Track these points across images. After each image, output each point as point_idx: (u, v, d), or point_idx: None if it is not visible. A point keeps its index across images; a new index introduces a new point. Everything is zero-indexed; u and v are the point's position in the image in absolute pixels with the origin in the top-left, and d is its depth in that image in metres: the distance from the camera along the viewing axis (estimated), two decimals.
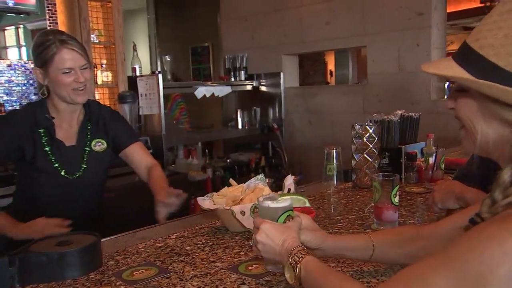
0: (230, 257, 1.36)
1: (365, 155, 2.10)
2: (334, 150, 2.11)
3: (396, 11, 4.39)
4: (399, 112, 2.36)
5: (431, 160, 2.10)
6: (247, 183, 1.75)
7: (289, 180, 1.70)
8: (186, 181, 3.92)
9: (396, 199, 1.52)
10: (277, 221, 1.10)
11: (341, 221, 1.67)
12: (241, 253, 1.39)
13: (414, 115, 2.35)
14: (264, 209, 1.14)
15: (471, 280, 0.65)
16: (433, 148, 2.10)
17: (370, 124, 2.13)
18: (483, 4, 8.18)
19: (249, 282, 1.16)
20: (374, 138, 2.08)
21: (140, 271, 1.27)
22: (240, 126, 4.95)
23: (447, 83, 4.20)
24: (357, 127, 2.11)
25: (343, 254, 1.16)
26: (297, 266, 0.95)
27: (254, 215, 1.53)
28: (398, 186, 1.54)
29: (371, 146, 2.09)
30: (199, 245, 1.47)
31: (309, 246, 1.09)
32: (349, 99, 4.84)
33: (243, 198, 1.63)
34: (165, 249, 1.45)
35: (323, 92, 5.19)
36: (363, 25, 4.66)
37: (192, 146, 4.64)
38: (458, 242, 0.70)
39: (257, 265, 1.27)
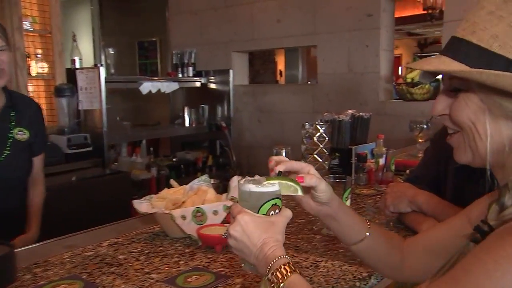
0: (168, 267, 1.22)
1: (315, 155, 2.02)
2: (283, 150, 2.02)
3: (347, 12, 4.38)
4: (350, 111, 2.30)
5: (381, 161, 2.05)
6: (190, 184, 1.62)
7: (235, 182, 1.58)
8: (129, 180, 3.73)
9: (348, 202, 1.44)
10: (258, 211, 0.85)
11: (290, 225, 1.57)
12: (181, 262, 1.25)
13: (365, 115, 2.30)
14: (244, 194, 0.88)
15: None
16: (384, 149, 2.05)
17: (321, 123, 2.05)
18: (425, 11, 8.46)
19: None
20: (325, 138, 2.00)
21: (61, 286, 1.10)
22: (187, 124, 4.79)
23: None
24: (307, 126, 2.02)
25: (338, 224, 0.98)
26: (279, 285, 0.77)
27: (196, 219, 1.40)
28: (350, 189, 1.46)
29: (321, 146, 2.00)
30: (133, 253, 1.33)
31: (321, 198, 0.92)
32: (299, 98, 4.79)
33: (185, 201, 1.50)
34: (95, 259, 1.29)
35: (273, 91, 5.12)
36: (314, 24, 4.63)
37: (136, 143, 4.43)
38: (469, 265, 0.61)
39: (198, 276, 1.15)
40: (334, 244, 1.36)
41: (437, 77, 0.89)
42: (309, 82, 7.18)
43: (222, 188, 1.76)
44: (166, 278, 1.14)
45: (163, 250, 1.34)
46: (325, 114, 2.20)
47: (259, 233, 0.82)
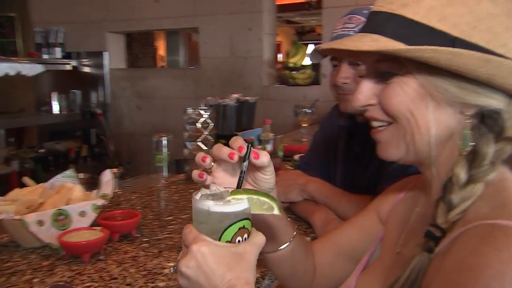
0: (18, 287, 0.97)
1: (198, 143, 1.85)
2: (164, 138, 1.84)
3: None
4: (235, 96, 2.17)
5: (269, 147, 1.96)
6: (50, 181, 1.35)
7: (108, 176, 1.35)
8: None
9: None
10: (220, 238, 0.62)
11: (173, 222, 1.39)
12: (35, 280, 1.01)
13: (251, 99, 2.19)
14: (201, 214, 0.63)
15: None
16: (271, 134, 1.96)
17: (205, 108, 1.89)
18: (303, 0, 8.73)
19: None
20: (209, 123, 1.84)
21: None
22: (56, 111, 4.30)
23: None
24: (189, 111, 1.84)
25: (266, 226, 0.78)
26: None
27: (58, 224, 1.15)
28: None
29: (205, 132, 1.84)
30: None
31: (268, 183, 0.70)
32: (180, 83, 4.58)
33: (44, 203, 1.24)
34: None
35: (153, 75, 4.83)
36: (195, 6, 4.43)
37: None
38: None
39: None
40: None
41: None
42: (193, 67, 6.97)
43: (93, 183, 1.51)
44: None
45: (11, 266, 1.07)
46: (208, 98, 2.04)
47: (222, 271, 0.59)
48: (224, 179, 0.69)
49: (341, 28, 1.31)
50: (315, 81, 3.98)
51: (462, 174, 0.60)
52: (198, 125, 1.83)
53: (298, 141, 2.55)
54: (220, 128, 2.00)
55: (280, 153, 1.93)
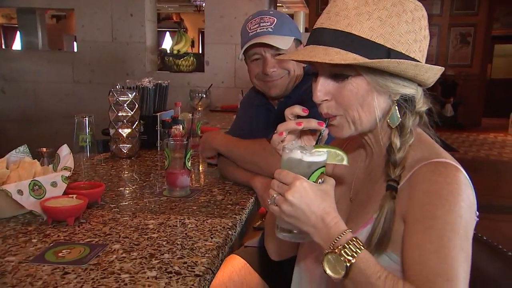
0: (20, 247, 1.07)
1: (126, 122, 1.98)
2: (86, 119, 1.92)
3: None
4: (147, 79, 2.31)
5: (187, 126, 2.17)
6: (6, 157, 1.40)
7: (65, 150, 1.45)
8: None
9: (189, 164, 1.52)
10: (308, 179, 0.84)
11: (127, 191, 1.55)
12: (34, 240, 1.11)
13: (163, 83, 2.35)
14: (293, 161, 0.85)
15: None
16: (189, 115, 2.17)
17: (129, 90, 2.02)
18: None
19: (73, 271, 0.95)
20: (135, 104, 1.99)
21: None
22: None
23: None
24: (117, 93, 1.96)
25: None
26: (351, 263, 0.77)
27: (35, 193, 1.25)
28: (190, 151, 1.53)
29: (132, 113, 1.98)
30: None
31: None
32: (56, 67, 4.41)
33: (9, 176, 1.30)
34: None
35: (22, 57, 4.55)
36: None
37: None
38: (430, 213, 0.80)
39: (69, 250, 1.05)
40: (184, 203, 1.43)
41: None
42: (61, 50, 6.61)
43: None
44: (30, 258, 1.01)
45: None
46: (127, 80, 2.15)
47: (319, 202, 0.81)
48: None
49: (258, 27, 1.59)
50: (198, 68, 4.22)
51: (397, 141, 0.90)
52: (126, 106, 1.96)
53: (204, 123, 2.79)
54: (143, 110, 2.14)
55: (199, 132, 2.15)
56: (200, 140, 1.81)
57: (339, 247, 0.79)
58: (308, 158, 0.85)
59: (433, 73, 0.89)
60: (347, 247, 0.78)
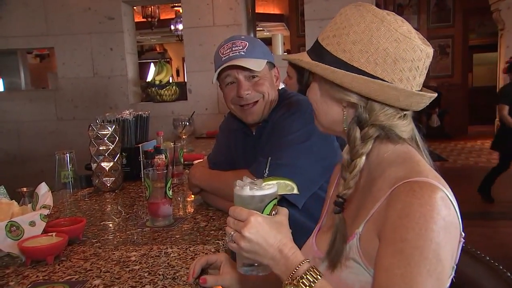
0: None
1: (107, 156, 1.97)
2: (67, 155, 1.90)
3: (85, 13, 4.27)
4: (128, 111, 2.31)
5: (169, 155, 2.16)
6: None
7: (44, 189, 1.43)
8: None
9: (170, 192, 1.50)
10: (262, 213, 0.87)
11: (110, 225, 1.53)
12: (11, 283, 1.09)
13: (144, 113, 2.35)
14: (246, 198, 0.88)
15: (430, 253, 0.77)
16: (171, 144, 2.16)
17: (108, 123, 2.01)
18: (145, 19, 8.93)
19: None
20: (116, 137, 1.98)
21: None
22: None
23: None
24: (96, 127, 1.95)
25: None
26: None
27: (12, 235, 1.22)
28: (171, 179, 1.52)
29: (112, 146, 1.97)
30: None
31: None
32: (39, 105, 4.41)
33: None
34: None
35: (5, 98, 4.55)
36: (47, 24, 4.33)
37: None
38: (400, 236, 0.78)
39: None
40: (167, 233, 1.41)
41: None
42: (44, 88, 6.61)
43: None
44: None
45: None
46: (107, 114, 2.15)
47: (274, 234, 0.83)
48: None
49: (231, 51, 1.61)
50: (181, 97, 4.23)
51: (345, 155, 0.91)
52: (106, 140, 1.95)
53: (189, 151, 2.78)
54: (122, 142, 2.13)
55: (182, 160, 2.14)
56: (189, 175, 1.80)
57: (297, 278, 0.79)
58: (259, 192, 0.88)
59: (358, 83, 0.87)
60: (305, 277, 0.79)
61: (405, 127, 0.92)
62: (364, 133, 0.90)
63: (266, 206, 0.88)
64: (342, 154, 0.92)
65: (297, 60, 0.92)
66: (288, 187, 0.94)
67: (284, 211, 0.90)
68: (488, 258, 0.95)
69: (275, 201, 0.89)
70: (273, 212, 0.89)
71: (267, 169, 0.97)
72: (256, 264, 0.89)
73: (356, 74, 0.86)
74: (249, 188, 0.88)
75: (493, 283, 0.95)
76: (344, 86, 0.88)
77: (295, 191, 0.95)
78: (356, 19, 0.88)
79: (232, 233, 0.86)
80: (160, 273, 1.10)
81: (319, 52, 0.91)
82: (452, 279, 0.84)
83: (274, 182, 0.91)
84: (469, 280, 0.94)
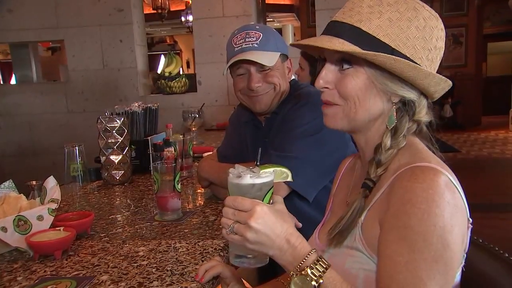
0: (5, 287, 1.03)
1: (116, 148, 1.96)
2: (76, 148, 1.89)
3: (94, 6, 4.25)
4: (137, 103, 2.30)
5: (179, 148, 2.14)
6: None
7: (52, 182, 1.42)
8: None
9: (179, 186, 1.48)
10: (262, 201, 0.84)
11: (118, 219, 1.51)
12: (19, 278, 1.08)
13: (153, 106, 2.33)
14: (245, 187, 0.84)
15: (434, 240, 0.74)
16: (180, 136, 2.14)
17: (117, 116, 2.00)
18: (155, 11, 8.90)
19: None
20: (125, 130, 1.96)
21: None
22: None
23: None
24: (105, 120, 1.94)
25: None
26: (319, 283, 0.76)
27: (19, 229, 1.21)
28: (179, 173, 1.50)
29: (121, 138, 1.96)
30: None
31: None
32: (50, 98, 4.42)
33: None
34: None
35: (17, 91, 4.56)
36: (57, 17, 4.32)
37: None
38: (403, 222, 0.76)
39: (54, 286, 1.02)
40: (176, 227, 1.39)
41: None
42: (55, 81, 6.63)
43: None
44: None
45: None
46: (116, 106, 2.14)
47: (281, 223, 0.80)
48: None
49: (244, 42, 1.57)
50: (191, 89, 4.21)
51: (388, 142, 0.88)
52: (114, 132, 1.94)
53: (199, 143, 2.76)
54: (132, 135, 2.12)
55: (191, 152, 2.12)
56: (198, 167, 1.79)
57: (306, 269, 0.77)
58: (258, 180, 0.84)
59: (434, 81, 0.86)
60: (314, 267, 0.77)
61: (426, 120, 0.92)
62: (409, 127, 0.90)
63: (265, 195, 0.85)
64: (384, 139, 0.89)
65: (348, 50, 0.84)
66: (283, 174, 0.92)
67: (279, 199, 0.88)
68: (507, 255, 0.91)
69: (272, 189, 0.87)
70: (271, 201, 0.86)
71: (258, 157, 0.92)
72: (249, 256, 0.86)
73: (417, 65, 0.84)
74: (249, 176, 0.84)
75: None
76: (406, 77, 0.85)
77: (289, 179, 0.92)
78: (412, 13, 0.86)
79: (231, 224, 0.82)
80: (168, 268, 1.08)
81: (365, 40, 0.84)
82: (462, 269, 0.82)
83: (271, 169, 0.88)
84: (487, 278, 0.91)
